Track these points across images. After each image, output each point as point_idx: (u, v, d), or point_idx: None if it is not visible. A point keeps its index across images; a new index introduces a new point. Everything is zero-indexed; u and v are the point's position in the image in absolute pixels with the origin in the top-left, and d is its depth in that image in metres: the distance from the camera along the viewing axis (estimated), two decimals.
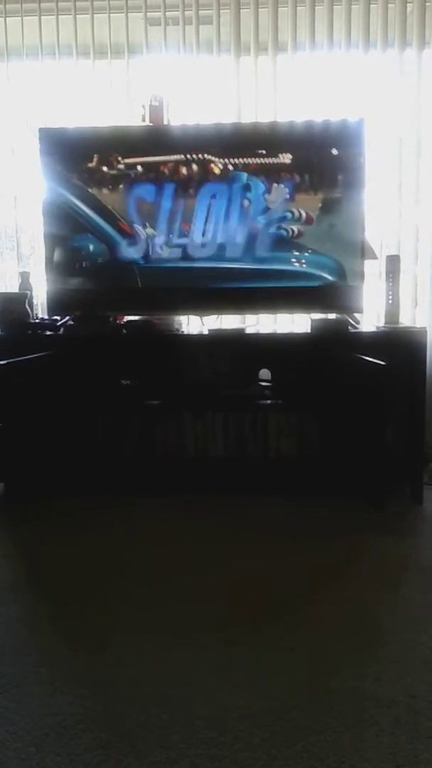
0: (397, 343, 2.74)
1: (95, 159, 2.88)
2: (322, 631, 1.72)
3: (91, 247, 2.93)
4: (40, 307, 3.20)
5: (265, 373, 2.98)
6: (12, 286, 3.37)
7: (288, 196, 2.84)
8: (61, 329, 2.93)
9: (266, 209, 2.85)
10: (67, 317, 2.98)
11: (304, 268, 2.86)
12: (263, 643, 1.67)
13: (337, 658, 1.59)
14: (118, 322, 3.03)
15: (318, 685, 1.48)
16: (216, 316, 3.08)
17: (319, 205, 2.84)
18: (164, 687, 1.47)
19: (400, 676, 1.51)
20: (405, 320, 3.10)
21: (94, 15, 3.28)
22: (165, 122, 3.07)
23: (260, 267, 2.88)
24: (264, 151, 2.83)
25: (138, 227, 2.89)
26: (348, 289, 2.86)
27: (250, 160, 2.84)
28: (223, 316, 3.12)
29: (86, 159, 2.89)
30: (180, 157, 2.85)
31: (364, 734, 1.30)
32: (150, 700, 1.42)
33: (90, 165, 2.88)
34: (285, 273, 2.87)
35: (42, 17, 3.29)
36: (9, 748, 1.27)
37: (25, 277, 3.07)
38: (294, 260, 2.86)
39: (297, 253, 2.86)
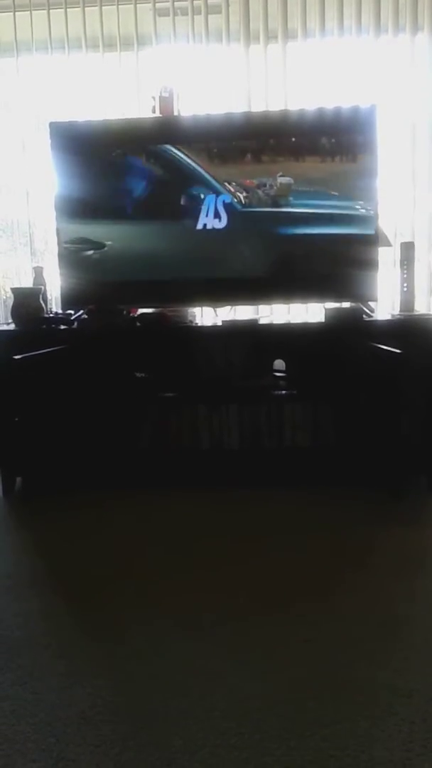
0: (412, 332, 2.72)
1: (107, 152, 2.88)
2: (340, 622, 1.71)
3: (104, 241, 2.93)
4: (54, 301, 3.21)
5: (279, 364, 2.97)
6: (26, 281, 3.38)
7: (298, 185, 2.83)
8: (75, 323, 2.93)
9: (277, 198, 2.84)
10: (81, 311, 2.99)
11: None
12: (281, 633, 1.67)
13: (355, 648, 1.59)
14: (131, 315, 3.03)
15: (336, 675, 1.47)
16: (229, 306, 3.07)
17: (334, 192, 2.82)
18: (182, 678, 1.48)
19: (418, 666, 1.50)
20: (420, 308, 3.07)
21: (103, 7, 3.28)
22: (175, 113, 3.06)
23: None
24: (276, 140, 2.81)
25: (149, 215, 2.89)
26: (363, 278, 2.84)
27: (262, 150, 2.82)
28: (237, 306, 3.11)
29: (98, 152, 2.89)
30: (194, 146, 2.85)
31: (382, 724, 1.30)
32: (168, 690, 1.43)
33: (101, 158, 2.88)
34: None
35: (51, 11, 3.30)
36: (29, 740, 1.28)
37: (38, 272, 3.08)
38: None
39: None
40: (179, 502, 2.68)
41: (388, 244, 3.03)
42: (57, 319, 2.95)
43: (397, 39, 3.15)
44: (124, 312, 3.00)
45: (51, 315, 3.02)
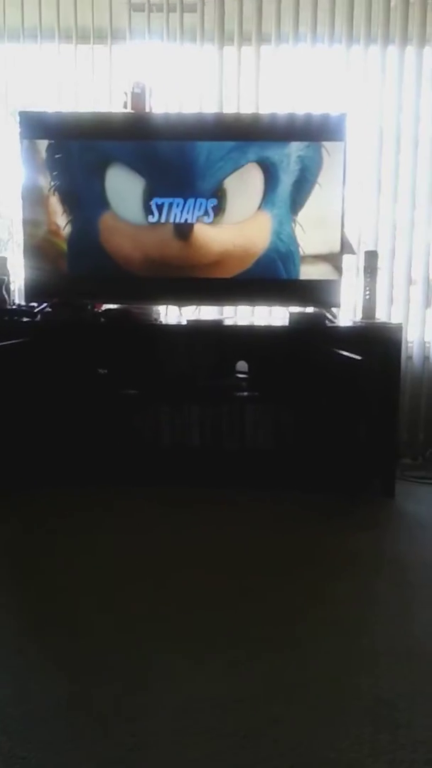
0: (373, 339, 2.77)
1: (76, 143, 2.86)
2: (292, 625, 1.74)
3: (70, 233, 2.91)
4: (17, 293, 3.17)
5: (242, 365, 2.99)
6: None
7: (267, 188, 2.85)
8: (39, 316, 2.90)
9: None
10: (45, 304, 2.96)
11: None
12: (236, 634, 1.68)
13: (310, 651, 1.61)
14: (96, 310, 3.01)
15: (292, 677, 1.50)
16: (195, 306, 3.08)
17: (301, 198, 2.85)
18: (138, 675, 1.48)
19: (371, 667, 1.53)
20: (381, 316, 3.13)
21: None
22: (147, 110, 3.05)
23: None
24: (245, 142, 2.83)
25: (117, 211, 2.88)
26: (327, 284, 2.88)
27: (231, 150, 2.84)
28: (202, 307, 3.12)
29: (67, 143, 2.86)
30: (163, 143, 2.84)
31: (339, 727, 1.32)
32: (123, 687, 1.44)
33: (70, 149, 2.86)
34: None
35: (24, 0, 3.24)
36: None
37: (2, 262, 3.04)
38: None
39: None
40: (137, 499, 2.68)
41: (353, 252, 3.08)
42: (20, 311, 2.92)
43: (369, 50, 3.19)
44: (89, 307, 2.98)
45: (14, 307, 2.98)
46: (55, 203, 2.90)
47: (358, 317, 2.99)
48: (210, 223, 2.87)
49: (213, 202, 2.85)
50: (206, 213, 2.86)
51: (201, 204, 2.86)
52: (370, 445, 2.77)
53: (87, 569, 2.04)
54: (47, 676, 1.48)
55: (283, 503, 2.67)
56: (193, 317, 3.03)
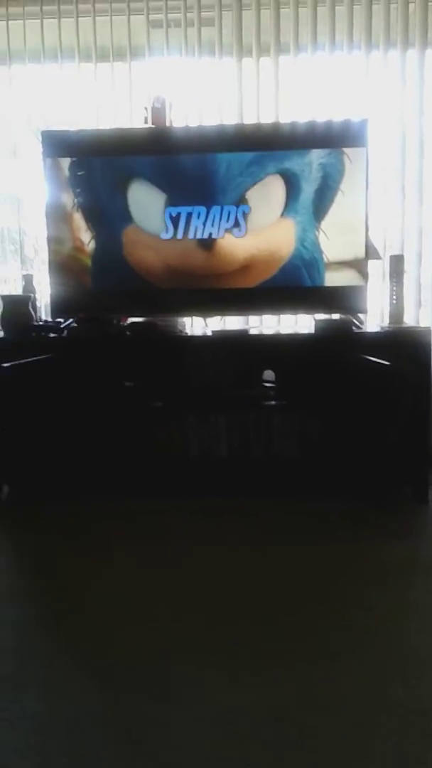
0: (401, 343, 2.73)
1: (98, 160, 2.88)
2: (326, 633, 1.71)
3: (94, 249, 2.93)
4: (43, 309, 3.20)
5: (269, 374, 2.97)
6: (16, 289, 3.37)
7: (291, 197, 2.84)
8: (65, 331, 2.92)
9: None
10: (71, 319, 2.98)
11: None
12: (267, 645, 1.66)
13: (342, 659, 1.58)
14: (121, 323, 3.02)
15: (322, 686, 1.46)
16: (220, 317, 3.07)
17: (324, 205, 2.84)
18: (170, 687, 1.46)
19: (407, 677, 1.50)
20: (409, 320, 3.09)
21: (96, 18, 3.29)
22: (167, 124, 3.07)
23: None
24: (266, 152, 2.82)
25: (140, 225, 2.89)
26: (352, 290, 2.86)
27: (253, 162, 2.83)
28: (227, 317, 3.12)
29: (89, 160, 2.89)
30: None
31: (369, 735, 1.29)
32: (155, 700, 1.42)
33: (92, 166, 2.88)
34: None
35: (44, 20, 3.30)
36: (12, 750, 1.26)
37: (28, 279, 3.07)
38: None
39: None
40: (165, 511, 2.66)
41: (378, 257, 3.05)
42: (46, 327, 2.94)
43: (388, 55, 3.18)
44: (114, 321, 3.00)
45: (40, 323, 3.01)
46: (78, 220, 2.92)
47: (386, 322, 2.96)
48: (240, 236, 2.86)
49: (244, 208, 2.84)
50: (236, 224, 2.86)
51: (228, 214, 2.85)
52: (401, 451, 2.73)
53: (116, 582, 2.03)
54: (79, 687, 1.47)
55: (313, 512, 2.63)
56: (218, 328, 3.02)
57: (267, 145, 2.84)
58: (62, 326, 2.95)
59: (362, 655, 1.60)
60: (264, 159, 2.83)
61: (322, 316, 2.95)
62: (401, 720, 1.33)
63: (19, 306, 2.93)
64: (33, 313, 2.97)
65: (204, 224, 2.87)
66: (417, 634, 1.70)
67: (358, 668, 1.54)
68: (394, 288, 2.89)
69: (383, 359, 2.51)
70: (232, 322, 3.19)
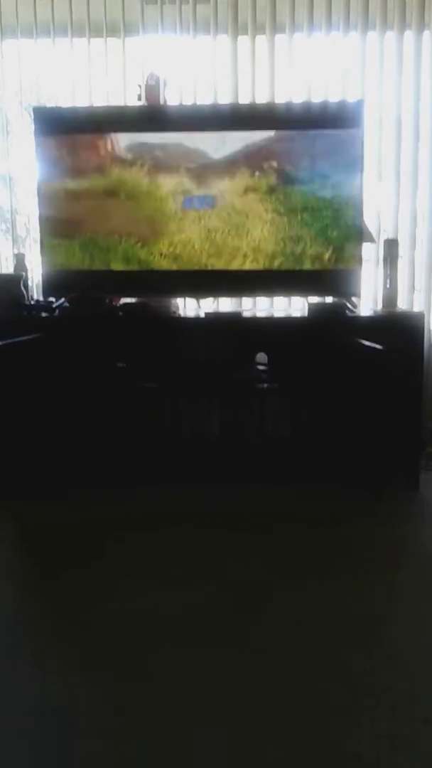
0: (395, 328, 2.73)
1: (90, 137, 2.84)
2: (319, 618, 1.71)
3: (87, 228, 2.89)
4: (35, 289, 3.16)
5: (262, 357, 2.96)
6: (7, 268, 3.33)
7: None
8: (56, 311, 2.89)
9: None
10: (63, 299, 2.95)
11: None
12: (259, 630, 1.66)
13: (336, 644, 1.59)
14: (114, 304, 3.00)
15: (315, 671, 1.47)
16: (213, 299, 3.06)
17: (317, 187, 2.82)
18: (157, 681, 1.46)
19: (397, 661, 1.50)
20: (403, 305, 3.08)
21: None
22: (161, 102, 3.03)
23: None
24: (261, 132, 2.80)
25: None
26: (346, 273, 2.85)
27: (247, 141, 2.81)
28: (220, 299, 3.10)
29: (81, 138, 2.85)
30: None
31: (360, 719, 1.29)
32: (142, 692, 1.41)
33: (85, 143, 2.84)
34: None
35: None
36: None
37: (20, 258, 3.04)
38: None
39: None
40: (156, 493, 2.66)
41: (372, 241, 3.04)
42: (38, 307, 2.91)
43: (385, 36, 3.15)
44: (107, 301, 2.97)
45: (32, 302, 2.98)
46: (70, 197, 2.88)
47: (379, 306, 2.95)
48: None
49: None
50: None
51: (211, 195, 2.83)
52: (393, 435, 2.73)
53: (107, 568, 2.03)
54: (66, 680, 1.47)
55: (304, 496, 2.63)
56: (211, 310, 3.01)
57: (262, 125, 2.81)
58: (54, 306, 2.92)
59: (347, 639, 1.60)
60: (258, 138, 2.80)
61: (315, 300, 2.94)
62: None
63: (11, 285, 2.90)
64: (25, 292, 2.94)
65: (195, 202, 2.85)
66: (406, 620, 1.71)
67: (342, 654, 1.54)
68: (388, 272, 2.88)
69: (376, 343, 2.51)
70: (225, 304, 3.17)
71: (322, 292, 2.93)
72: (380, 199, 3.22)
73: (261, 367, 2.95)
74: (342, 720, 1.28)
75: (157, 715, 1.29)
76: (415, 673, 1.44)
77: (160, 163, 2.83)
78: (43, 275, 2.94)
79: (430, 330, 3.17)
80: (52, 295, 2.96)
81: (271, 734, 1.23)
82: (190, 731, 1.24)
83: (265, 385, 2.86)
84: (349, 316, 2.83)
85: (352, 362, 2.67)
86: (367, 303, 3.16)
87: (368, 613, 1.73)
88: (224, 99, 3.20)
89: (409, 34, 3.17)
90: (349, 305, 2.91)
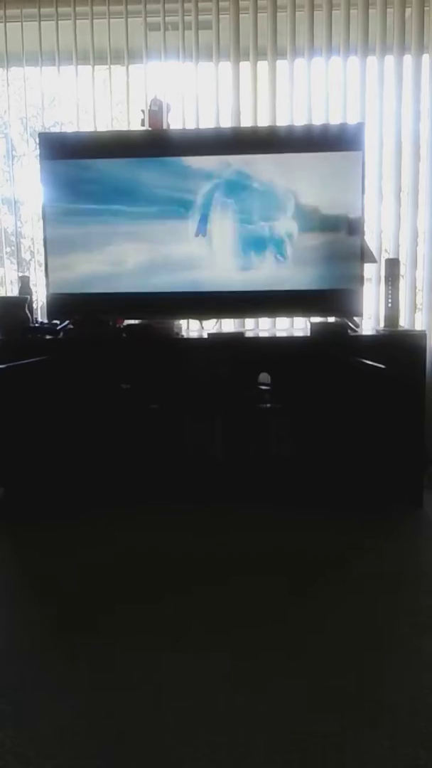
0: (397, 347, 2.74)
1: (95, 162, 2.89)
2: (323, 636, 1.71)
3: (91, 251, 2.93)
4: (40, 311, 3.20)
5: (264, 377, 2.98)
6: (12, 291, 3.37)
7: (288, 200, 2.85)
8: (61, 333, 2.92)
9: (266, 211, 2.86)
10: (67, 321, 2.98)
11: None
12: (265, 648, 1.66)
13: (339, 662, 1.59)
14: (117, 326, 3.03)
15: (319, 688, 1.47)
16: (215, 320, 3.08)
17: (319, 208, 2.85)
18: (162, 691, 1.47)
19: (401, 679, 1.50)
20: (404, 324, 3.10)
21: (94, 20, 3.29)
22: (164, 126, 3.08)
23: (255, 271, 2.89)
24: (263, 155, 2.83)
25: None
26: (348, 293, 2.87)
27: (249, 164, 2.84)
28: (223, 320, 3.12)
29: (86, 163, 2.89)
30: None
31: (364, 737, 1.29)
32: (149, 704, 1.42)
33: (89, 168, 2.89)
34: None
35: (42, 23, 3.30)
36: (8, 752, 1.26)
37: (24, 281, 3.07)
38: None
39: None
40: (160, 516, 2.66)
41: (374, 261, 3.06)
42: (42, 329, 2.94)
43: (385, 60, 3.19)
44: (111, 323, 3.00)
45: (37, 325, 3.01)
46: (74, 221, 2.92)
47: (381, 326, 2.97)
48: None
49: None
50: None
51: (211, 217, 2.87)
52: (396, 454, 2.73)
53: (111, 582, 2.04)
54: (75, 698, 1.47)
55: (307, 515, 2.63)
56: (214, 330, 3.03)
57: (264, 148, 2.85)
58: (58, 328, 2.95)
59: (346, 659, 1.60)
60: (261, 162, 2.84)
61: (317, 319, 2.96)
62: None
63: (16, 308, 2.93)
64: (29, 314, 2.97)
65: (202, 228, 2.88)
66: (409, 636, 1.71)
67: (342, 669, 1.54)
68: (390, 292, 2.90)
69: (378, 362, 2.52)
70: (227, 325, 3.19)
71: (324, 312, 2.95)
72: (381, 219, 3.25)
73: (264, 387, 2.96)
74: (349, 739, 1.28)
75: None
76: (418, 689, 1.44)
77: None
78: (47, 298, 2.97)
79: (431, 349, 3.18)
80: (56, 318, 3.00)
81: None
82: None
83: (268, 405, 2.87)
84: (351, 336, 2.85)
85: (354, 381, 2.69)
86: (369, 322, 3.17)
87: (371, 629, 1.73)
88: (226, 123, 3.25)
89: (408, 58, 3.21)
90: (351, 325, 2.93)
